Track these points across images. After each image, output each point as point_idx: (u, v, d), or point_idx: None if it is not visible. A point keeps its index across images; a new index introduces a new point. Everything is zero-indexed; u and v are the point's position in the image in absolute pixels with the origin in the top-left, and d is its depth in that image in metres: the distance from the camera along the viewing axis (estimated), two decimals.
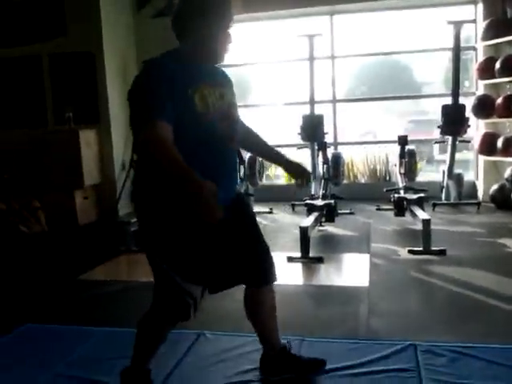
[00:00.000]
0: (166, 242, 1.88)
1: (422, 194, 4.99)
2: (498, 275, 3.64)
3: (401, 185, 5.58)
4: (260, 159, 6.19)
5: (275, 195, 6.64)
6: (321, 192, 5.45)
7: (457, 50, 6.00)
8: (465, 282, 3.49)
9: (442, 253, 4.11)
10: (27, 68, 6.46)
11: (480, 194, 6.29)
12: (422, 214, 4.41)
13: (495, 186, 5.88)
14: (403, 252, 4.24)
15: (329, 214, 5.03)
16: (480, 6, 6.27)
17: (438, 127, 6.02)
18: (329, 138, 6.37)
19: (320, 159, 5.81)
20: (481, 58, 6.25)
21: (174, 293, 1.91)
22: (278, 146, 7.66)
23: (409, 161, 5.78)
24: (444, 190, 6.09)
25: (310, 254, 4.12)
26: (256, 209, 6.12)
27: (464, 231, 4.97)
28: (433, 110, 7.04)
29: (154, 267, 1.94)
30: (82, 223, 5.82)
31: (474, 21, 6.38)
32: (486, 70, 6.07)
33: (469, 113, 6.06)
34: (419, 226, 4.32)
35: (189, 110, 1.81)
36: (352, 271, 4.04)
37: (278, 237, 4.95)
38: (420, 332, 2.71)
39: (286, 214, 5.99)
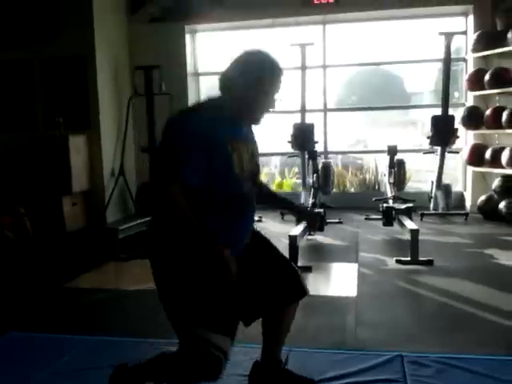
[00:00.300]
0: (185, 292, 1.83)
1: (410, 204, 5.01)
2: (485, 286, 3.66)
3: (389, 194, 5.60)
4: None
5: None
6: (310, 201, 5.45)
7: (447, 61, 6.06)
8: (452, 293, 3.50)
9: (429, 263, 4.13)
10: (18, 72, 6.41)
11: (468, 204, 6.34)
12: (410, 224, 4.42)
13: (483, 197, 5.92)
14: (391, 262, 4.25)
15: (319, 223, 5.01)
16: (471, 18, 6.34)
17: (428, 138, 6.06)
18: (319, 147, 6.38)
19: (310, 168, 5.82)
20: (471, 69, 6.31)
21: (200, 348, 1.78)
22: (270, 155, 7.77)
23: (398, 171, 5.81)
24: (432, 200, 6.12)
25: (299, 263, 4.11)
26: None
27: (452, 242, 5.00)
28: (422, 119, 7.09)
29: (176, 324, 1.87)
30: (69, 230, 5.76)
31: (465, 32, 6.45)
32: (475, 82, 6.13)
33: (458, 124, 6.11)
34: (407, 236, 4.33)
35: (225, 168, 1.83)
36: (340, 281, 4.04)
37: None
38: (407, 343, 2.71)
39: (276, 223, 5.98)
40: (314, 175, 5.69)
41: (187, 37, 6.98)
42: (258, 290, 2.00)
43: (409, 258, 4.17)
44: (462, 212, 5.99)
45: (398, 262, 4.20)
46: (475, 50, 6.16)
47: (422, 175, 7.29)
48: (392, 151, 5.90)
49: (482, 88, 6.02)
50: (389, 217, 5.03)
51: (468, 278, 3.81)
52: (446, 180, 6.16)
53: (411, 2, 6.16)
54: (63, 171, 5.84)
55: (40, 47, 6.20)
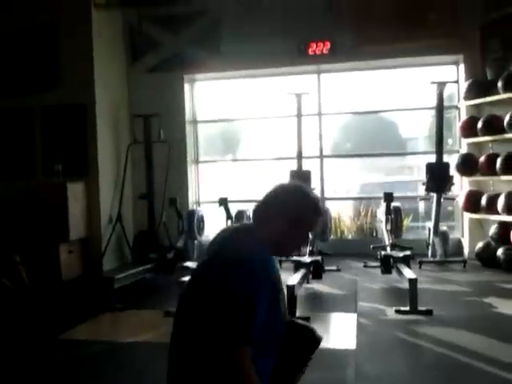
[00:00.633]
0: None
1: (408, 252, 5.00)
2: (484, 336, 3.62)
3: (387, 242, 5.60)
4: (248, 213, 6.19)
5: None
6: (308, 248, 5.44)
7: (440, 110, 6.18)
8: (451, 343, 3.46)
9: (428, 313, 4.09)
10: (18, 120, 6.51)
11: (466, 251, 6.32)
12: (408, 273, 4.40)
13: (480, 244, 5.92)
14: (390, 312, 4.21)
15: (316, 271, 5.00)
16: (462, 67, 6.51)
17: (423, 184, 6.11)
18: (316, 193, 6.41)
19: None
20: (464, 116, 6.43)
21: None
22: None
23: (395, 217, 5.83)
24: (430, 247, 6.11)
25: (297, 314, 4.06)
26: None
27: (450, 290, 4.98)
28: (418, 164, 7.16)
29: None
30: (65, 278, 5.71)
31: (457, 81, 6.60)
32: (468, 129, 6.23)
33: (453, 170, 6.17)
34: (406, 285, 4.30)
35: (277, 310, 1.73)
36: (339, 332, 3.99)
37: None
38: None
39: None
40: None
41: (186, 86, 7.14)
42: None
43: (408, 308, 4.13)
44: (460, 259, 5.96)
45: (397, 311, 4.16)
46: (467, 98, 6.29)
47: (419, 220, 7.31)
48: (388, 198, 5.93)
49: (475, 135, 6.11)
50: (387, 265, 5.01)
51: (467, 328, 3.78)
52: (443, 226, 6.17)
53: (403, 52, 6.33)
54: (61, 219, 5.84)
55: (40, 95, 6.32)
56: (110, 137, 6.61)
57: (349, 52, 6.42)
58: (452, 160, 6.34)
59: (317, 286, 5.14)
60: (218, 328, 1.57)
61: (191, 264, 5.02)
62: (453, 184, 6.04)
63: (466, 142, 6.41)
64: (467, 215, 6.35)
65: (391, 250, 5.29)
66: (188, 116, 7.20)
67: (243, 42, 6.56)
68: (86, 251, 6.16)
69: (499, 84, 5.77)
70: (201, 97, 7.44)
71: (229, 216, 6.05)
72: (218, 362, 1.56)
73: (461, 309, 4.31)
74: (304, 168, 6.39)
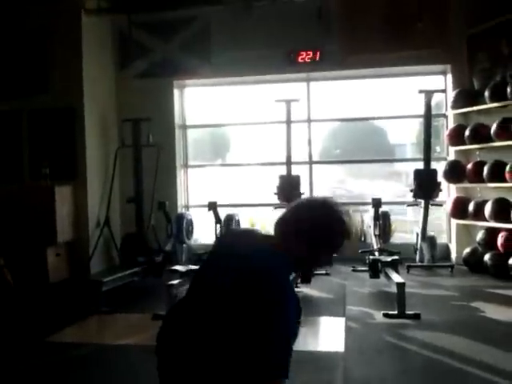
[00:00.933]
0: None
1: (396, 257, 5.04)
2: (472, 340, 3.66)
3: (375, 246, 5.63)
4: (237, 217, 6.20)
5: None
6: None
7: (428, 118, 6.25)
8: (439, 347, 3.48)
9: (416, 317, 4.11)
10: (6, 123, 6.47)
11: (453, 256, 6.38)
12: (396, 278, 4.44)
13: (468, 249, 5.98)
14: (378, 315, 4.23)
15: (305, 275, 4.99)
16: (449, 77, 6.59)
17: (411, 191, 6.16)
18: None
19: None
20: (451, 125, 6.50)
21: None
22: (255, 206, 7.81)
23: (383, 223, 5.87)
24: (418, 252, 6.16)
25: None
26: None
27: (438, 294, 5.01)
28: (406, 170, 7.21)
29: None
30: (53, 281, 5.67)
31: (444, 90, 6.67)
32: (456, 137, 6.31)
33: (440, 177, 6.23)
34: (394, 289, 4.33)
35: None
36: (327, 336, 4.00)
37: None
38: None
39: None
40: None
41: (175, 91, 7.14)
42: None
43: (396, 312, 4.16)
44: (448, 264, 6.02)
45: (385, 315, 4.18)
46: (454, 107, 6.37)
47: (407, 226, 7.35)
48: (376, 203, 5.97)
49: (463, 143, 6.19)
50: (375, 269, 5.05)
51: (454, 332, 3.81)
52: (430, 231, 6.22)
53: (392, 61, 6.40)
54: (48, 222, 5.81)
55: (29, 99, 6.30)
56: (99, 140, 6.59)
57: (338, 61, 6.47)
58: (440, 167, 6.41)
59: (306, 290, 5.14)
60: (262, 359, 1.54)
61: (180, 267, 5.01)
62: (440, 190, 6.11)
63: (453, 149, 6.48)
64: (455, 221, 6.41)
65: (379, 255, 5.32)
66: (177, 121, 7.20)
67: (233, 50, 6.58)
68: (73, 254, 6.13)
69: (486, 94, 5.86)
70: (190, 102, 7.45)
71: (218, 220, 6.05)
72: None
73: (448, 313, 4.34)
74: (293, 173, 6.41)
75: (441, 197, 6.26)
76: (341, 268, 6.05)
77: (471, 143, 6.08)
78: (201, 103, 7.50)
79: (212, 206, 6.06)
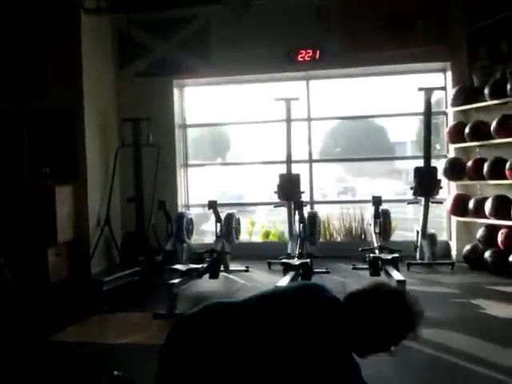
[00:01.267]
0: None
1: (396, 254, 5.04)
2: (473, 337, 3.65)
3: (375, 244, 5.63)
4: (237, 216, 6.21)
5: (252, 253, 6.62)
6: (297, 251, 5.46)
7: (428, 116, 6.25)
8: (441, 345, 3.48)
9: None
10: (6, 123, 6.47)
11: (454, 253, 6.39)
12: (396, 275, 4.44)
13: (468, 247, 5.98)
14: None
15: (305, 273, 5.02)
16: (449, 75, 6.59)
17: (411, 188, 6.16)
18: (305, 197, 6.45)
19: (296, 218, 5.86)
20: (451, 122, 6.50)
21: None
22: (255, 204, 7.81)
23: (383, 220, 5.87)
24: (418, 250, 6.16)
25: None
26: (232, 266, 6.10)
27: (439, 292, 5.01)
28: (406, 168, 7.21)
29: None
30: (53, 280, 5.68)
31: (444, 88, 6.68)
32: (456, 134, 6.31)
33: (441, 175, 6.23)
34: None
35: None
36: None
37: None
38: None
39: (263, 273, 5.96)
40: (301, 225, 5.72)
41: (175, 90, 7.14)
42: None
43: None
44: (448, 262, 6.02)
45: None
46: (454, 104, 6.37)
47: (408, 223, 7.36)
48: (377, 201, 5.98)
49: (463, 140, 6.19)
50: (376, 267, 5.05)
51: (455, 329, 3.81)
52: (431, 229, 6.22)
53: (391, 58, 6.40)
54: (48, 222, 5.82)
55: (29, 99, 6.30)
56: (99, 140, 6.59)
57: (337, 58, 6.47)
58: (440, 165, 6.41)
59: None
60: None
61: (180, 266, 5.02)
62: (440, 188, 6.11)
63: (453, 147, 6.49)
64: (455, 218, 6.41)
65: (380, 253, 5.32)
66: (177, 120, 7.20)
67: (233, 49, 6.58)
68: (73, 254, 6.13)
69: (486, 91, 5.86)
70: (190, 101, 7.45)
71: (218, 219, 6.05)
72: None
73: (449, 310, 4.34)
74: (293, 172, 6.42)
75: (441, 194, 6.27)
76: (341, 266, 6.06)
77: (471, 140, 6.08)
78: (200, 102, 7.50)
79: (212, 205, 6.06)
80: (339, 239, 7.29)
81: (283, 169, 6.43)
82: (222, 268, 5.71)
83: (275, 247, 6.46)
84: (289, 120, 6.48)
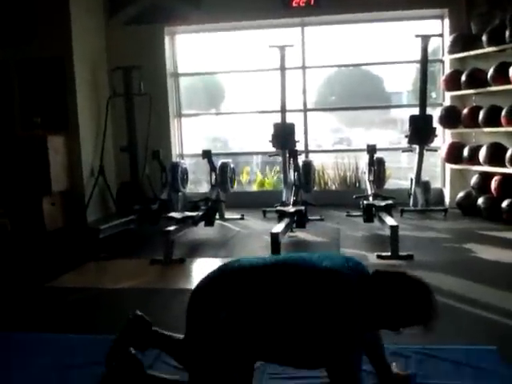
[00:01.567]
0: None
1: (390, 201, 5.08)
2: (464, 279, 3.72)
3: (370, 192, 5.66)
4: (232, 165, 6.21)
5: (247, 201, 6.66)
6: (292, 199, 5.49)
7: (424, 63, 6.16)
8: (433, 287, 3.49)
9: (409, 258, 4.19)
10: None
11: (447, 200, 6.44)
12: (390, 221, 4.49)
13: (461, 194, 6.03)
14: (372, 257, 4.29)
15: (299, 220, 5.06)
16: (446, 21, 6.45)
17: (406, 136, 6.15)
18: (300, 146, 6.43)
19: (291, 167, 5.86)
20: (447, 70, 6.42)
21: None
22: (250, 154, 7.79)
23: (377, 169, 5.88)
24: (412, 197, 6.21)
25: None
26: (227, 215, 6.14)
27: (431, 237, 5.08)
28: (402, 118, 7.17)
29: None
30: (49, 229, 5.72)
31: (441, 35, 6.55)
32: (452, 82, 6.24)
33: (436, 123, 6.21)
34: (388, 232, 4.39)
35: None
36: None
37: (249, 243, 4.96)
38: (388, 335, 2.74)
39: (258, 221, 6.01)
40: (295, 173, 5.73)
41: (166, 38, 6.97)
42: None
43: (389, 253, 4.23)
44: (441, 208, 6.09)
45: (378, 257, 4.25)
46: (451, 51, 6.27)
47: (402, 172, 7.39)
48: (371, 150, 5.97)
49: (459, 88, 6.13)
50: (369, 213, 5.09)
51: (447, 272, 3.87)
52: (425, 177, 6.25)
53: (388, 4, 6.25)
54: (42, 172, 5.80)
55: (17, 49, 6.14)
56: (90, 89, 6.49)
57: (333, 4, 6.31)
58: (435, 113, 6.37)
59: (300, 234, 5.21)
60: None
61: (176, 214, 5.06)
62: (435, 136, 6.09)
63: (449, 95, 6.43)
64: (449, 166, 6.43)
65: (373, 200, 5.36)
66: (169, 69, 7.06)
67: None
68: (69, 204, 6.15)
69: (483, 38, 5.76)
70: (182, 50, 7.29)
71: (213, 168, 6.05)
72: None
73: (441, 254, 4.42)
74: (288, 121, 6.36)
75: (436, 142, 6.26)
76: (335, 213, 6.12)
77: (467, 88, 6.02)
78: (193, 50, 7.35)
79: (206, 154, 6.05)
80: (334, 188, 7.32)
81: (278, 118, 6.38)
82: (217, 216, 5.75)
83: (270, 196, 6.48)
84: (283, 68, 6.37)
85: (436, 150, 6.43)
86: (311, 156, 7.01)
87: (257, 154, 7.64)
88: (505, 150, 5.47)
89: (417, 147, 6.13)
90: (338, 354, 1.79)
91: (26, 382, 2.36)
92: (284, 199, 5.74)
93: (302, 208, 5.12)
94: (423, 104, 6.12)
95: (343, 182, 7.28)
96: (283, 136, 6.19)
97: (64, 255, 4.80)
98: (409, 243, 4.54)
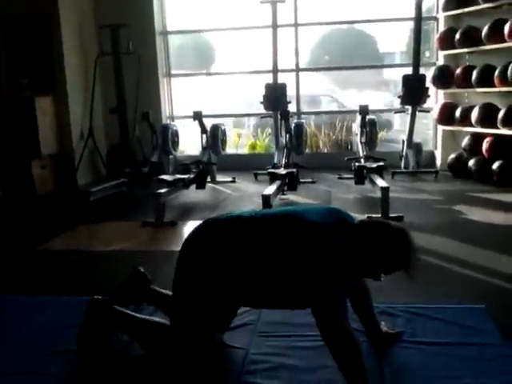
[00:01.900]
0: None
1: (381, 163, 5.06)
2: (454, 240, 3.76)
3: (361, 154, 5.64)
4: (223, 127, 6.14)
5: (238, 164, 6.63)
6: (283, 161, 5.46)
7: (418, 21, 6.02)
8: (423, 247, 3.51)
9: (399, 219, 4.19)
10: None
11: (438, 162, 6.45)
12: (380, 182, 4.49)
13: (453, 155, 6.03)
14: (363, 218, 4.29)
15: (291, 182, 5.06)
16: None
17: (399, 97, 6.09)
18: (292, 108, 6.35)
19: (283, 128, 5.81)
20: (442, 28, 6.31)
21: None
22: (241, 115, 7.70)
23: (370, 130, 5.84)
24: (403, 159, 6.20)
25: None
26: (219, 178, 6.12)
27: (422, 198, 5.10)
28: (395, 79, 7.09)
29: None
30: (40, 193, 5.68)
31: None
32: (446, 41, 6.14)
33: (429, 83, 6.14)
34: (378, 194, 4.39)
35: None
36: None
37: (241, 206, 4.96)
38: (377, 294, 2.76)
39: (249, 183, 5.99)
40: (287, 135, 5.68)
41: None
42: None
43: (379, 215, 4.24)
44: (432, 170, 6.09)
45: (369, 218, 4.25)
46: (446, 8, 6.14)
47: (394, 135, 7.36)
48: (364, 111, 5.92)
49: (453, 47, 6.04)
50: (360, 176, 5.08)
51: (437, 233, 3.90)
52: (417, 139, 6.22)
53: None
54: (31, 134, 5.72)
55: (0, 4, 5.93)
56: (77, 49, 6.32)
57: None
58: (428, 73, 6.29)
59: (292, 196, 5.21)
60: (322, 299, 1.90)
61: (167, 177, 5.02)
62: (428, 96, 6.04)
63: (442, 54, 6.34)
64: (441, 128, 6.40)
65: (365, 162, 5.34)
66: (158, 26, 6.89)
67: None
68: (59, 167, 6.08)
69: None
70: (171, 6, 7.09)
71: (203, 130, 5.98)
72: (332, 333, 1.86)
73: (431, 215, 4.45)
74: (280, 81, 6.26)
75: (428, 103, 6.21)
76: (327, 176, 6.11)
77: (461, 47, 5.93)
78: (182, 7, 7.15)
79: (197, 116, 5.97)
80: (326, 150, 7.29)
81: (270, 78, 6.27)
82: (208, 179, 5.73)
83: (262, 159, 6.44)
84: (275, 26, 6.21)
85: (428, 111, 6.38)
86: (303, 118, 6.94)
87: (248, 115, 7.55)
88: (497, 110, 5.43)
89: (409, 108, 6.07)
90: (319, 297, 1.85)
91: (22, 343, 2.37)
92: (276, 161, 5.71)
93: (294, 170, 5.11)
94: (416, 64, 6.01)
95: (335, 145, 7.25)
96: (275, 97, 6.10)
97: (55, 218, 4.78)
98: (399, 205, 4.56)
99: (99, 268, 3.49)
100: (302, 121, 6.37)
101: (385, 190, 4.26)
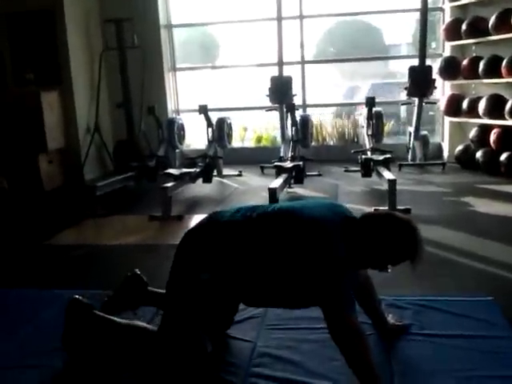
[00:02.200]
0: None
1: (388, 155, 5.03)
2: (462, 232, 3.74)
3: (368, 146, 5.61)
4: (229, 121, 6.12)
5: (244, 158, 6.61)
6: (289, 154, 5.45)
7: (424, 12, 5.96)
8: (430, 240, 3.52)
9: (407, 211, 4.17)
10: None
11: (445, 154, 6.41)
12: (387, 175, 4.46)
13: (460, 147, 5.99)
14: (370, 211, 4.28)
15: (297, 175, 5.04)
16: None
17: (405, 89, 6.04)
18: (297, 100, 6.33)
19: (289, 121, 5.79)
20: (448, 19, 6.25)
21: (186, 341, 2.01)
22: (247, 109, 7.67)
23: (376, 122, 5.81)
24: (410, 151, 6.16)
25: None
26: (225, 171, 6.11)
27: (429, 191, 5.07)
28: (401, 71, 7.04)
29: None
30: (47, 188, 5.69)
31: None
32: (452, 31, 6.09)
33: (435, 74, 6.09)
34: (385, 187, 4.37)
35: None
36: None
37: (247, 199, 4.95)
38: (386, 287, 2.75)
39: (255, 177, 5.98)
40: (293, 128, 5.66)
41: None
42: None
43: (387, 208, 4.22)
44: (440, 162, 6.05)
45: (376, 211, 4.23)
46: None
47: (401, 127, 7.32)
48: (370, 103, 5.88)
49: (459, 38, 5.98)
50: (367, 168, 5.05)
51: (445, 225, 3.89)
52: (423, 131, 6.18)
53: None
54: (37, 129, 5.72)
55: (5, 1, 5.93)
56: (82, 43, 6.32)
57: None
58: (435, 64, 6.24)
59: (298, 190, 5.20)
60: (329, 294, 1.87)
61: (174, 171, 5.02)
62: (435, 88, 5.99)
63: (449, 45, 6.29)
64: (448, 119, 6.36)
65: (372, 154, 5.31)
66: (162, 20, 6.86)
67: None
68: (65, 161, 6.10)
69: None
70: (176, 0, 7.07)
71: (209, 124, 5.97)
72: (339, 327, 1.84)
73: (439, 207, 4.42)
74: (285, 74, 6.23)
75: (435, 95, 6.16)
76: (333, 169, 6.09)
77: (468, 38, 5.87)
78: (186, 0, 7.12)
79: (203, 110, 5.96)
80: (332, 143, 7.26)
81: (275, 71, 6.24)
82: (215, 173, 5.72)
83: (268, 152, 6.43)
84: (280, 18, 6.18)
85: (435, 103, 6.34)
86: (309, 110, 6.91)
87: (254, 109, 7.52)
88: (505, 101, 5.38)
89: (416, 100, 6.03)
90: (325, 292, 1.83)
91: (28, 337, 2.39)
92: (282, 154, 5.69)
93: (300, 163, 5.09)
94: (423, 55, 5.96)
95: (341, 137, 7.21)
96: (280, 90, 6.07)
97: (62, 213, 4.80)
98: (407, 197, 4.53)
99: (106, 262, 3.50)
100: (308, 114, 6.35)
101: (392, 183, 4.24)
